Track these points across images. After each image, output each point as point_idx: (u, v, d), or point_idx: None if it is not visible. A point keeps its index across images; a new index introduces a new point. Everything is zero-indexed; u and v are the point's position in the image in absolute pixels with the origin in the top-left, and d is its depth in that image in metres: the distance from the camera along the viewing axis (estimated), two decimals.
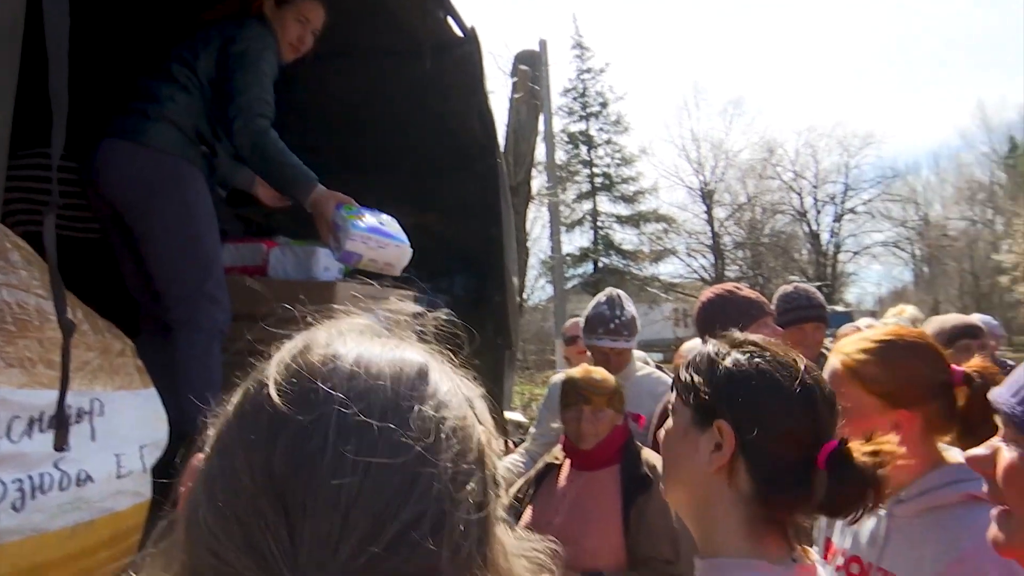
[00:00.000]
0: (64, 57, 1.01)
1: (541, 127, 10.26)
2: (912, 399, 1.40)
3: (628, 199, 30.15)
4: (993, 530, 0.99)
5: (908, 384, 1.41)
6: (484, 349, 3.44)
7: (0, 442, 1.27)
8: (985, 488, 1.00)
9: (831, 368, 1.50)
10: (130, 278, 2.45)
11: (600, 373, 2.43)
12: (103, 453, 1.48)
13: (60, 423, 1.07)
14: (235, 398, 0.57)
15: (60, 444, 1.11)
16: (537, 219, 17.55)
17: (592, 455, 2.36)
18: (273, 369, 0.55)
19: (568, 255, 28.71)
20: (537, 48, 12.34)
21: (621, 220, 30.28)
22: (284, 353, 0.57)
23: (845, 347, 1.51)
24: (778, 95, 53.69)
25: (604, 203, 30.29)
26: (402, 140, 3.32)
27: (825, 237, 31.07)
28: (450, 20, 3.03)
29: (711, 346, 1.13)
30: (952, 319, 3.21)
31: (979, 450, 1.00)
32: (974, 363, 1.41)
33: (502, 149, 8.37)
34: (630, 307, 3.05)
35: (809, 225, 31.12)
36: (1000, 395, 0.98)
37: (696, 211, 31.15)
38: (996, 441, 0.98)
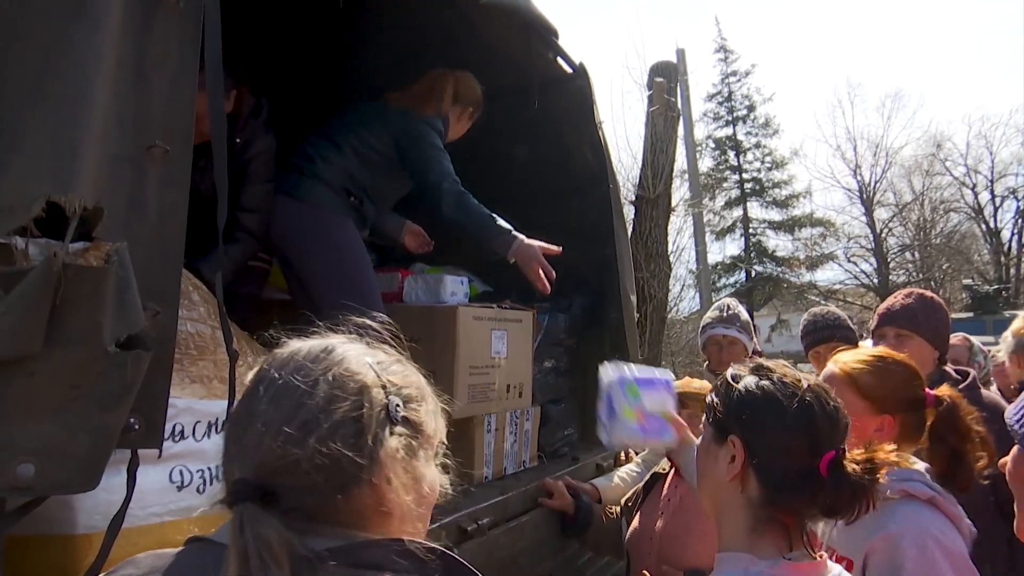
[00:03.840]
0: (224, 149, 1.35)
1: (681, 133, 10.26)
2: (895, 407, 1.64)
3: (780, 204, 28.75)
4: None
5: (894, 393, 1.65)
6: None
7: (188, 440, 1.66)
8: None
9: (828, 374, 1.73)
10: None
11: (698, 383, 2.58)
12: None
13: None
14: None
15: None
16: (684, 229, 17.24)
17: None
18: (261, 360, 0.98)
19: (718, 264, 27.94)
20: (675, 58, 12.31)
21: (774, 226, 28.91)
22: (273, 352, 0.98)
23: (843, 358, 1.75)
24: (941, 85, 48.60)
25: (755, 209, 28.96)
26: (521, 170, 3.61)
27: (1006, 235, 28.25)
28: (559, 59, 3.30)
29: (731, 371, 1.34)
30: None
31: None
32: (942, 390, 1.66)
33: (640, 162, 8.45)
34: (743, 312, 3.50)
35: (986, 222, 28.37)
36: (1008, 413, 1.14)
37: (855, 213, 29.19)
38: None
